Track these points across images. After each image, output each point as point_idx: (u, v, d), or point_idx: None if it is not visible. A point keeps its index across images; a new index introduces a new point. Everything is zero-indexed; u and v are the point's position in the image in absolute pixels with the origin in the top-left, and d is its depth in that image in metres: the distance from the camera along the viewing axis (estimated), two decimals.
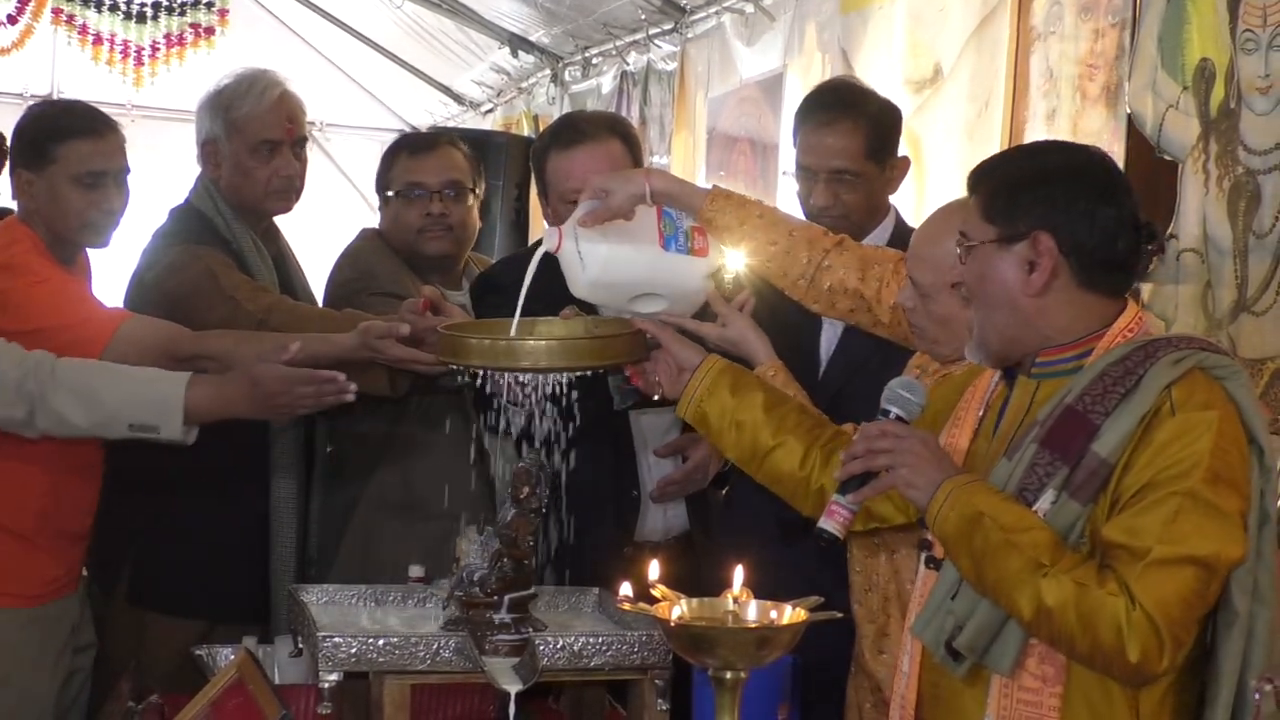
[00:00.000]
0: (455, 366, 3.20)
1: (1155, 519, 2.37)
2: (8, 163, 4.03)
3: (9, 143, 3.83)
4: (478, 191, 4.24)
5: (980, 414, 2.71)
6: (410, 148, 4.24)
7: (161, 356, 3.50)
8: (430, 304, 3.55)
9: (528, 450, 3.21)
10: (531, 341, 3.14)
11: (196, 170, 4.14)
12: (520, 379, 3.16)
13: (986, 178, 2.63)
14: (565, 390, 3.15)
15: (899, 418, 2.66)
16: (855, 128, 3.80)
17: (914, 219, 5.21)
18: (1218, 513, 2.38)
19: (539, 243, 4.02)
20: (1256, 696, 2.40)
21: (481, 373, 3.17)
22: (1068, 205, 2.52)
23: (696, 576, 3.54)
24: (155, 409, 3.31)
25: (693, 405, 3.08)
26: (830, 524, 2.65)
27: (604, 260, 3.17)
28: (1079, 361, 2.55)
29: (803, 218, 3.60)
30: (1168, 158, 4.37)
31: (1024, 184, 2.56)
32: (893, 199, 3.94)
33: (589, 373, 3.17)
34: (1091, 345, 2.55)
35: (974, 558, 2.47)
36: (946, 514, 2.49)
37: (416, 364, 3.49)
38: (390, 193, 4.18)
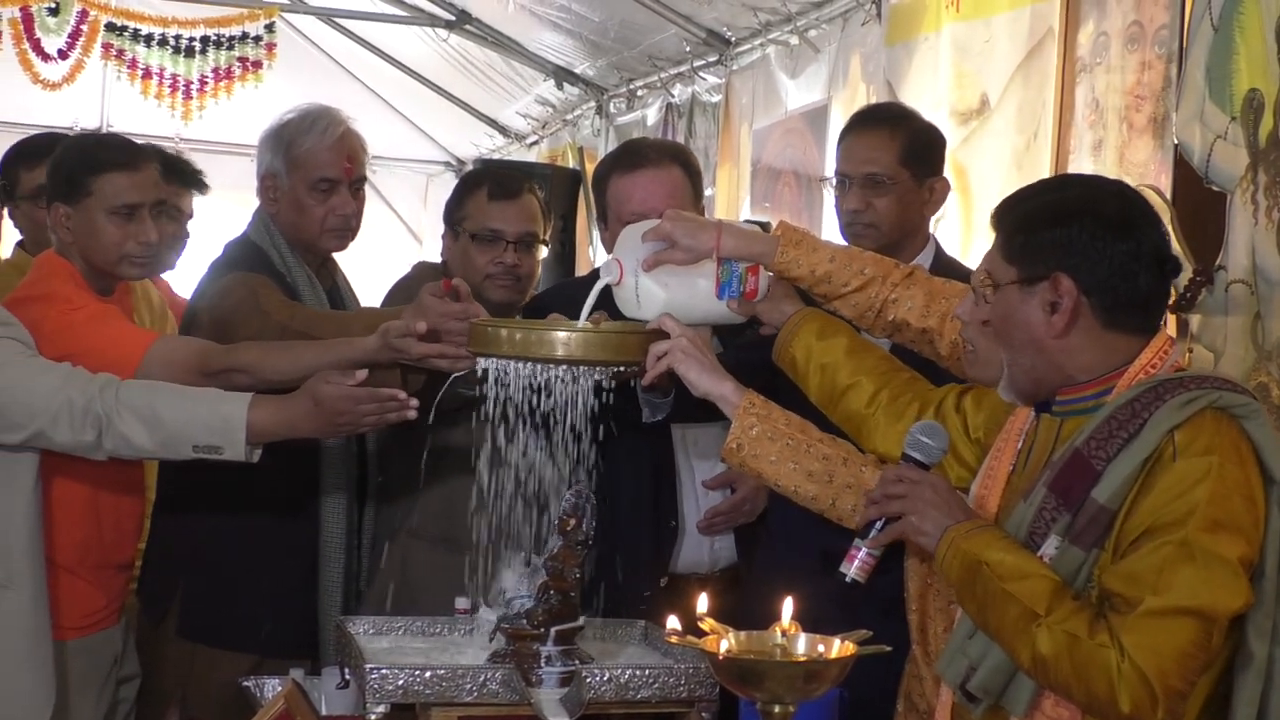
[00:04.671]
0: (479, 361, 3.15)
1: (1149, 568, 2.35)
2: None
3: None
4: (547, 240, 4.24)
5: (1019, 445, 2.70)
6: (492, 190, 4.15)
7: (192, 373, 3.50)
8: (450, 286, 3.52)
9: (574, 482, 3.20)
10: (567, 331, 3.09)
11: (245, 203, 4.16)
12: (549, 378, 3.11)
13: (1005, 217, 2.62)
14: (588, 402, 3.13)
15: (918, 462, 2.68)
16: (892, 135, 3.82)
17: (960, 250, 5.23)
18: (1216, 561, 2.34)
19: (592, 273, 4.03)
20: None
21: (501, 375, 3.12)
22: (1084, 244, 2.50)
23: (740, 609, 3.53)
24: (218, 430, 3.32)
25: (781, 349, 3.13)
26: (851, 568, 2.70)
27: (661, 306, 3.17)
28: (1099, 400, 2.53)
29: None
30: (1216, 188, 4.35)
31: (1040, 224, 2.55)
32: (939, 230, 3.94)
33: (623, 369, 3.15)
34: (1113, 383, 2.53)
35: (977, 604, 2.49)
36: (951, 561, 2.52)
37: (440, 360, 3.45)
38: (463, 230, 4.14)
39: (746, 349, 3.64)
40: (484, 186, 4.19)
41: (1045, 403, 2.63)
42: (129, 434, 3.32)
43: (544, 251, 4.19)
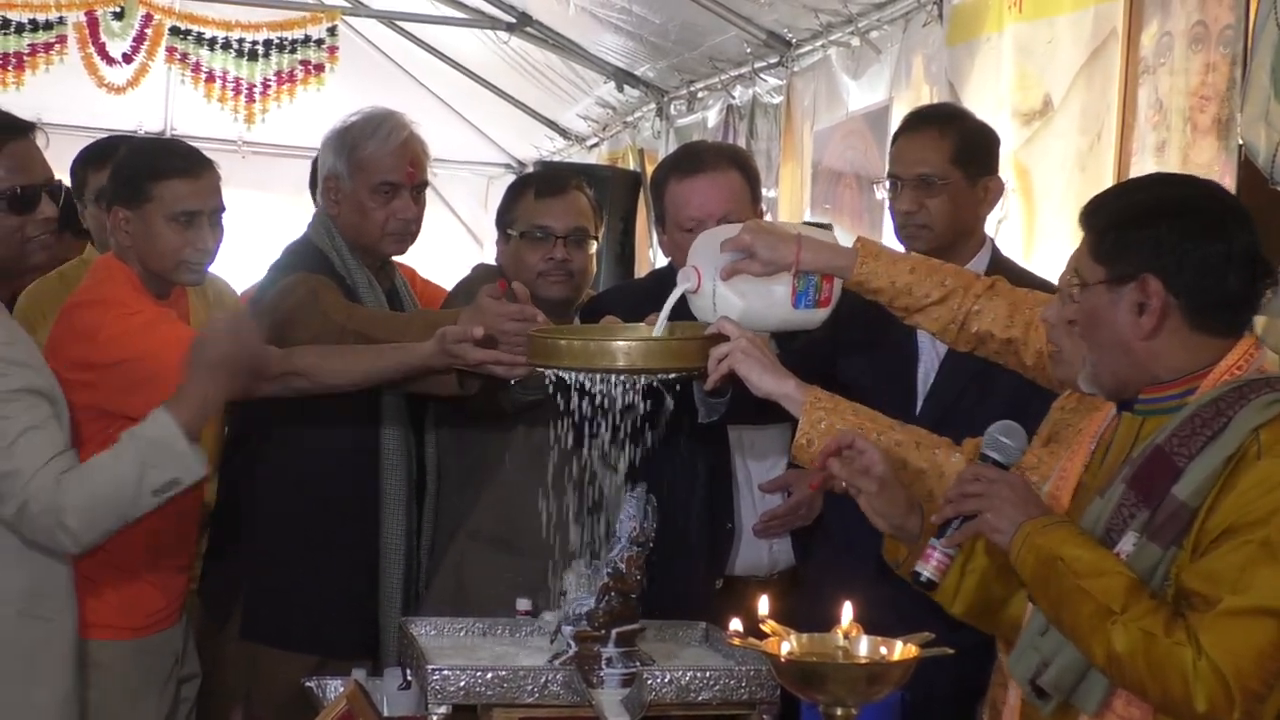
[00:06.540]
0: (542, 370, 3.16)
1: (1230, 566, 2.33)
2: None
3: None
4: (599, 236, 4.24)
5: (1093, 446, 2.68)
6: (539, 188, 4.18)
7: (250, 377, 3.51)
8: (507, 287, 3.54)
9: (636, 484, 3.20)
10: (627, 341, 3.09)
11: (306, 205, 4.17)
12: (606, 387, 3.09)
13: (1095, 216, 2.59)
14: (643, 403, 3.11)
15: (996, 462, 2.67)
16: (942, 135, 3.81)
17: (1022, 251, 5.20)
18: None
19: (652, 274, 4.02)
20: None
21: (561, 382, 3.10)
22: (1174, 245, 2.47)
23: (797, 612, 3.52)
24: (161, 462, 3.25)
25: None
26: (926, 568, 2.68)
27: (737, 315, 3.16)
28: (1182, 400, 2.50)
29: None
30: None
31: (1130, 223, 2.51)
32: (1002, 229, 3.92)
33: (685, 374, 3.15)
34: (1196, 383, 2.50)
35: (1051, 601, 2.47)
36: (1025, 557, 2.49)
37: (496, 365, 3.45)
38: (513, 231, 4.14)
39: (803, 349, 3.64)
40: (531, 187, 4.21)
41: (1127, 401, 2.60)
42: (79, 531, 3.25)
43: (594, 247, 4.20)
